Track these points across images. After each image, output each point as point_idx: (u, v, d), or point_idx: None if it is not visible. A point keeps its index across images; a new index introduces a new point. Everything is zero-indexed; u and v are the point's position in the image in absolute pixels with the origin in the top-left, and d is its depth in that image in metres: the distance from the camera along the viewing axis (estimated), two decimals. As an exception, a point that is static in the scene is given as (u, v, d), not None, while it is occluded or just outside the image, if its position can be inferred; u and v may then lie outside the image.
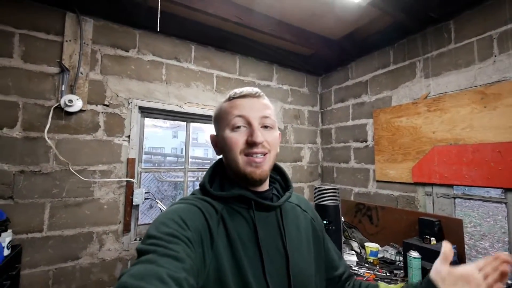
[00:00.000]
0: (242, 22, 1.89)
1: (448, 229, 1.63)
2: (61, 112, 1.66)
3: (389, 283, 1.47)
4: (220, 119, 0.64)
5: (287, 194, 0.67)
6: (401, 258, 1.76)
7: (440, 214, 1.78)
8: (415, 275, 1.41)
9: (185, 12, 1.88)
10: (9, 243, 1.28)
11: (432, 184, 1.84)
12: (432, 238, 1.58)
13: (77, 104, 1.67)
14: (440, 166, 1.77)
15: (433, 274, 0.55)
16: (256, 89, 0.64)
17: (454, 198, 1.76)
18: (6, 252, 1.24)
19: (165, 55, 2.08)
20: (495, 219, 6.65)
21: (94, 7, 1.77)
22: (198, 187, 0.66)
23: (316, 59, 2.63)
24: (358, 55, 2.42)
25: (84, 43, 1.77)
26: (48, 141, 1.57)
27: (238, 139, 0.59)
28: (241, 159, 0.59)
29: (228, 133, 0.61)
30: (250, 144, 0.58)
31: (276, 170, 0.74)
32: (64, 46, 1.71)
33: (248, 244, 0.57)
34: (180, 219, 0.51)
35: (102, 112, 1.81)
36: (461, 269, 0.53)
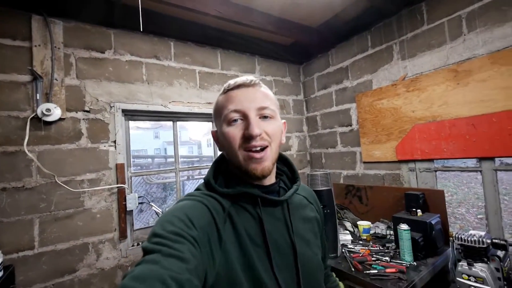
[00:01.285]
0: (221, 16, 1.86)
1: (431, 200, 1.76)
2: (39, 122, 1.57)
3: (383, 256, 1.56)
4: (217, 114, 0.63)
5: (294, 187, 0.67)
6: (392, 232, 1.88)
7: (423, 187, 1.91)
8: (406, 245, 1.51)
9: (162, 8, 1.81)
10: (0, 264, 1.22)
11: (414, 160, 1.96)
12: (418, 210, 1.69)
13: (56, 112, 1.59)
14: (421, 143, 1.88)
15: None
16: (251, 78, 0.61)
17: (435, 171, 1.89)
18: (-1, 274, 1.19)
19: (144, 54, 2.00)
20: (468, 186, 7.20)
21: (62, 7, 1.66)
22: (202, 182, 0.65)
23: (296, 48, 2.65)
24: (337, 41, 2.47)
25: (55, 47, 1.66)
26: (29, 154, 1.49)
27: (235, 133, 0.58)
28: (241, 155, 0.58)
29: (225, 128, 0.59)
30: (247, 138, 0.56)
31: (283, 161, 0.73)
32: (34, 52, 1.60)
33: (256, 240, 0.57)
34: (186, 218, 0.50)
35: (83, 119, 1.73)
36: None
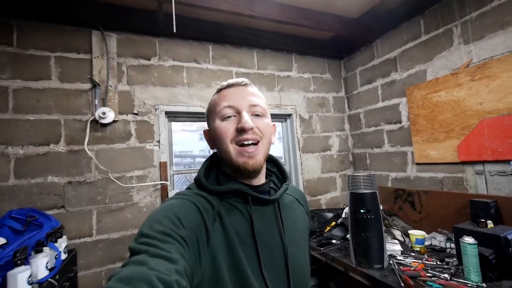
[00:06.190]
0: (256, 15, 1.85)
1: (507, 210, 1.46)
2: (96, 124, 1.78)
3: (441, 272, 1.35)
4: (211, 112, 0.64)
5: (284, 186, 0.67)
6: (452, 245, 1.62)
7: (495, 194, 1.59)
8: (471, 263, 1.27)
9: (199, 13, 1.90)
10: (65, 247, 1.41)
11: (483, 162, 1.65)
12: (489, 221, 1.41)
13: (110, 115, 1.78)
14: (491, 140, 1.57)
15: None
16: (243, 79, 0.64)
17: (513, 175, 1.56)
18: (63, 256, 1.36)
19: (185, 58, 2.12)
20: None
21: (115, 21, 1.86)
22: (193, 181, 0.65)
23: (336, 42, 2.50)
24: (383, 30, 2.25)
25: (110, 57, 1.87)
26: (89, 152, 1.70)
27: (228, 127, 0.59)
28: (232, 149, 0.58)
29: (218, 123, 0.60)
30: (240, 130, 0.57)
31: (272, 162, 0.75)
32: (93, 63, 1.82)
33: (246, 239, 0.56)
34: (174, 217, 0.50)
35: (132, 121, 1.90)
36: None
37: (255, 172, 0.60)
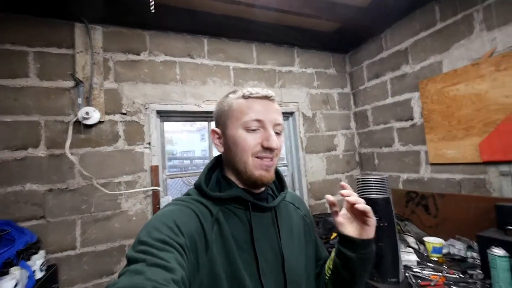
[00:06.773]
0: (255, 3, 1.69)
1: (540, 216, 1.28)
2: (80, 126, 1.62)
3: (466, 287, 1.19)
4: (232, 117, 0.62)
5: (282, 195, 0.69)
6: (473, 254, 1.46)
7: (524, 198, 1.42)
8: (502, 277, 1.11)
9: (193, 3, 1.73)
10: (42, 264, 1.25)
11: (509, 162, 1.48)
12: (519, 230, 1.25)
13: (94, 116, 1.62)
14: (519, 138, 1.40)
15: (338, 228, 0.65)
16: (271, 92, 0.63)
17: (544, 177, 1.39)
18: (39, 275, 1.21)
19: (178, 53, 1.96)
20: None
21: (100, 13, 1.69)
22: (192, 187, 0.64)
23: (341, 34, 2.32)
24: (392, 20, 2.07)
25: (95, 52, 1.71)
26: (70, 157, 1.54)
27: (252, 141, 0.59)
28: (252, 161, 0.59)
29: (242, 133, 0.59)
30: (266, 148, 0.59)
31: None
32: (76, 58, 1.66)
33: (244, 245, 0.57)
34: (173, 224, 0.49)
35: (120, 121, 1.74)
36: (343, 212, 0.65)
37: (267, 185, 0.63)
